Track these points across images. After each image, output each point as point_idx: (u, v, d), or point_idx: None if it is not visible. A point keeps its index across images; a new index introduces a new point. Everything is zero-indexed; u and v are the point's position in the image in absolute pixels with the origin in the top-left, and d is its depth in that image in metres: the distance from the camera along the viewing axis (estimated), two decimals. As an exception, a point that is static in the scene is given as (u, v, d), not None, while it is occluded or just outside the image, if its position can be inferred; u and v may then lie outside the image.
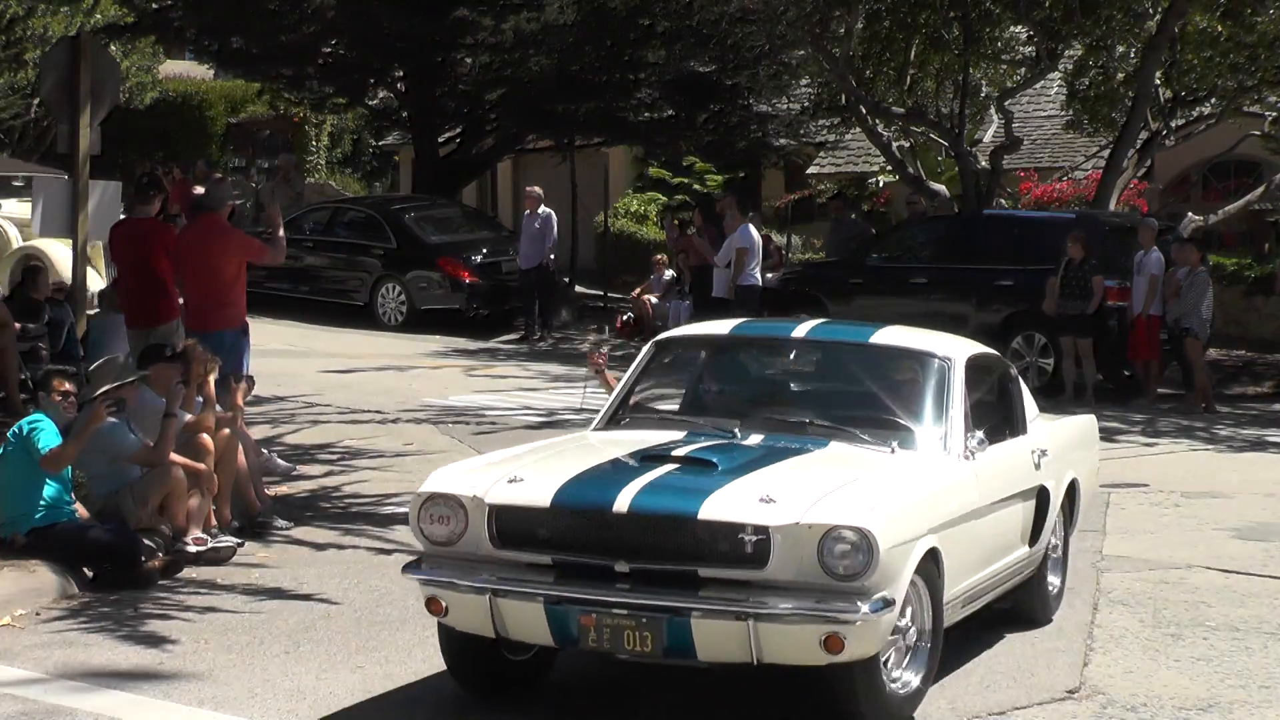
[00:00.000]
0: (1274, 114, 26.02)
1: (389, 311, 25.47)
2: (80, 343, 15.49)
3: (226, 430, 11.62)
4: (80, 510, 10.72)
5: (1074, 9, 23.38)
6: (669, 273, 25.11)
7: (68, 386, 10.78)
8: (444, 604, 7.68)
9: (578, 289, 27.80)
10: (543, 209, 24.55)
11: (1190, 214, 24.41)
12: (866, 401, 9.01)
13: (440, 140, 30.08)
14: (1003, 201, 25.73)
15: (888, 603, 7.31)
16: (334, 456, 14.56)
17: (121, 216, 15.16)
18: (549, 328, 24.80)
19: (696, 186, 31.72)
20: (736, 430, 8.43)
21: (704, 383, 9.54)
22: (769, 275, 22.46)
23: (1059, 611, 10.14)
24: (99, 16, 32.35)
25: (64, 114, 14.65)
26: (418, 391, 18.75)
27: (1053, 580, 10.00)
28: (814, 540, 7.23)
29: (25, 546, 10.35)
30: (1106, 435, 17.23)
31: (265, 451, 13.30)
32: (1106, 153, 25.66)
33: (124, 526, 10.58)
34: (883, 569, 7.26)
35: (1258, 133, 26.18)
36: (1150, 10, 24.21)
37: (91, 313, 15.88)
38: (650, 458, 7.93)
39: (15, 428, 10.74)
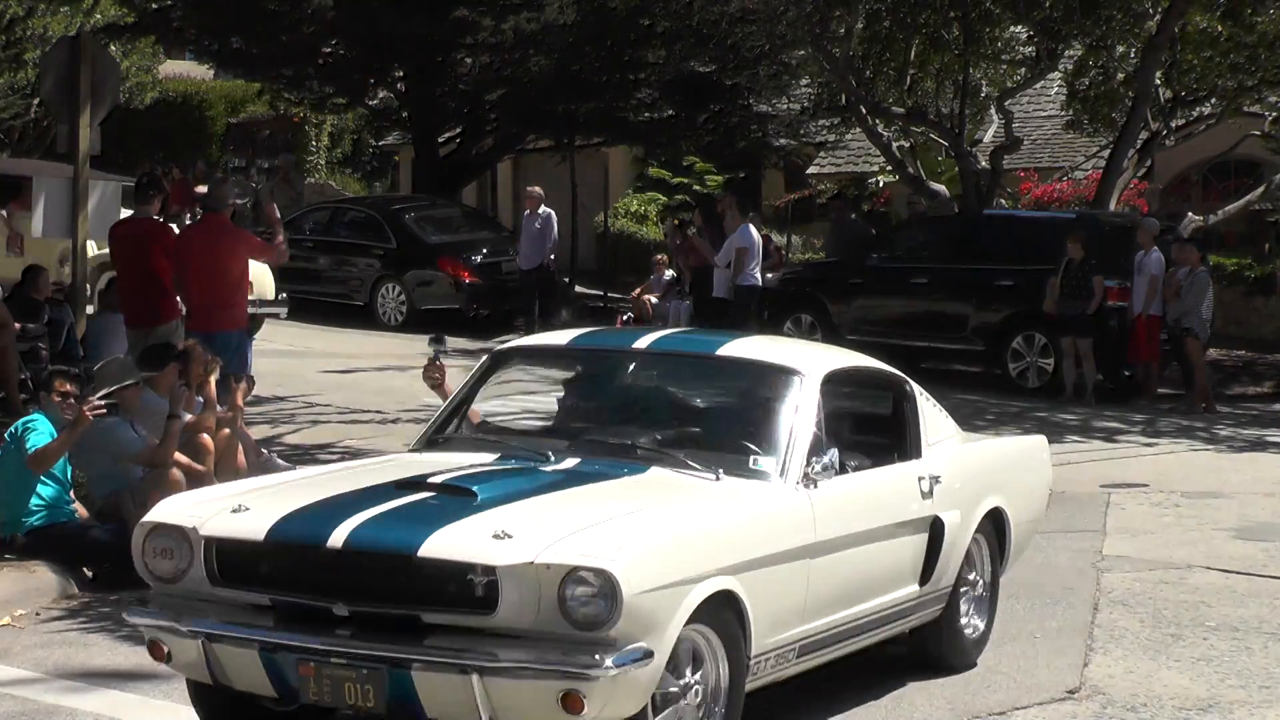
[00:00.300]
0: (1274, 114, 26.03)
1: (389, 311, 25.47)
2: (80, 343, 15.50)
3: (226, 430, 11.62)
4: (80, 510, 10.73)
5: (1074, 9, 23.38)
6: (669, 273, 25.10)
7: (69, 387, 10.78)
8: (166, 649, 6.99)
9: (578, 289, 27.79)
10: (543, 209, 24.55)
11: (1190, 214, 24.41)
12: (705, 420, 8.28)
13: (440, 140, 30.08)
14: (1003, 201, 25.73)
15: (645, 655, 6.43)
16: (334, 457, 14.54)
17: (124, 215, 15.17)
18: (549, 328, 24.79)
19: (696, 186, 31.72)
20: (550, 454, 7.70)
21: (544, 398, 8.90)
22: (769, 275, 22.47)
23: (1059, 611, 10.12)
24: (99, 16, 32.33)
25: (64, 114, 14.66)
26: (418, 392, 18.70)
27: (972, 622, 9.08)
28: (553, 583, 6.37)
29: (25, 546, 10.36)
30: (1106, 435, 17.35)
31: (265, 451, 13.29)
32: (1106, 153, 25.66)
33: (124, 526, 10.57)
34: (634, 617, 6.37)
35: (1258, 133, 26.19)
36: (1150, 10, 24.22)
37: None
38: (407, 485, 7.12)
39: (12, 428, 10.75)
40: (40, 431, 10.49)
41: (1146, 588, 10.78)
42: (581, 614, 6.36)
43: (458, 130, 30.47)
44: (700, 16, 25.70)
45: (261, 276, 21.78)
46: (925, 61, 26.18)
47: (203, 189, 22.82)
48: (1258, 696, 8.54)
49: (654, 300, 24.98)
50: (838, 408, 8.44)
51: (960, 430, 9.44)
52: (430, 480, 7.14)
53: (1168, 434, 17.69)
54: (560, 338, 9.15)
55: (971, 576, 9.04)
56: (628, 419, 8.30)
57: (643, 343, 8.58)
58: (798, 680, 7.89)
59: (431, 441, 8.30)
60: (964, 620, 8.99)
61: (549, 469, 7.54)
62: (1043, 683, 8.71)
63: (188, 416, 11.28)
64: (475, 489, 6.98)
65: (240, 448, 11.75)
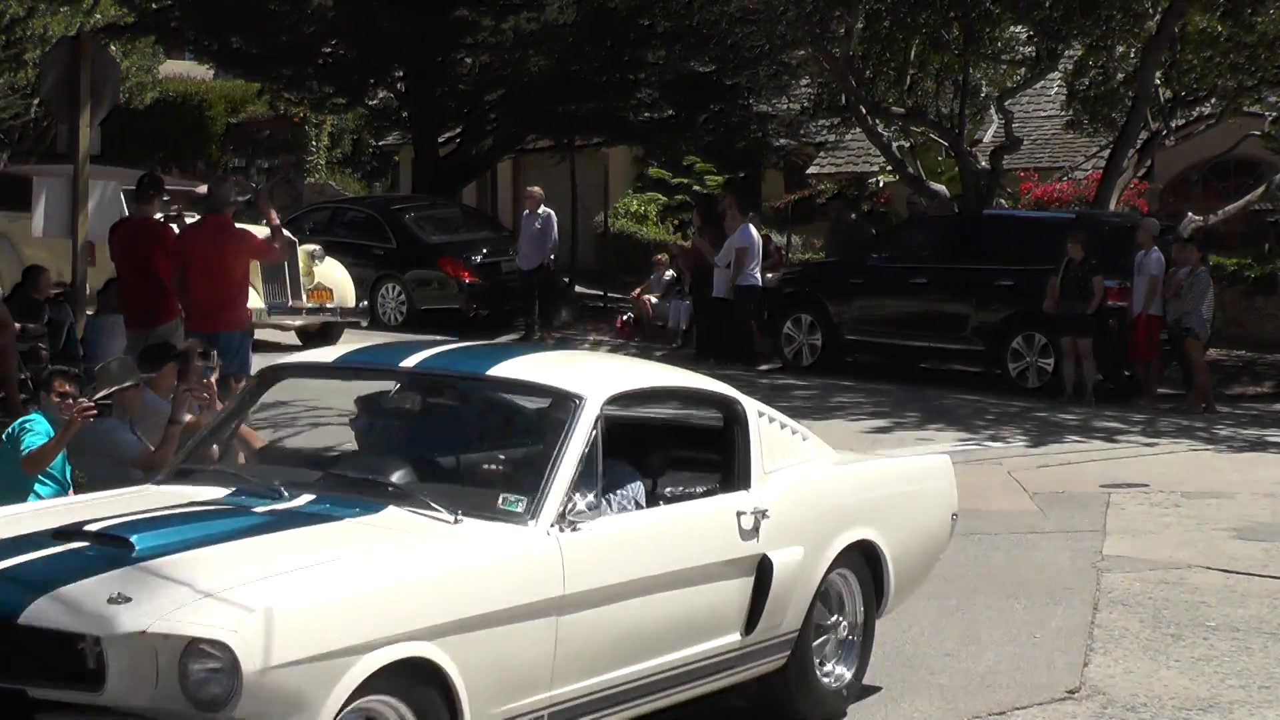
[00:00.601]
0: (1274, 114, 26.02)
1: (389, 311, 25.46)
2: (80, 343, 15.51)
3: (227, 431, 11.61)
4: (80, 510, 10.71)
5: (1074, 9, 23.38)
6: (669, 273, 25.12)
7: (68, 388, 10.76)
8: None
9: (578, 289, 27.81)
10: (543, 209, 24.55)
11: (1190, 214, 24.41)
12: (466, 450, 7.42)
13: (440, 140, 30.11)
14: (1003, 201, 25.73)
15: None
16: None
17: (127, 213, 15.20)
18: (549, 328, 24.82)
19: (696, 187, 31.74)
20: (284, 490, 6.83)
21: (310, 422, 8.18)
22: (769, 275, 22.48)
23: (1059, 611, 10.11)
24: (99, 16, 32.36)
25: (64, 114, 14.69)
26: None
27: (835, 670, 8.09)
28: (173, 656, 5.59)
29: (25, 547, 10.34)
30: (1106, 435, 17.34)
31: (265, 452, 13.30)
32: (1106, 153, 25.67)
33: (124, 527, 10.57)
34: (267, 695, 5.58)
35: (1258, 133, 26.18)
36: (1150, 10, 24.22)
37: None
38: (64, 534, 6.27)
39: (9, 429, 10.74)
40: (36, 432, 10.47)
41: (1146, 588, 10.77)
42: (204, 693, 5.58)
43: (458, 130, 30.50)
44: (700, 16, 25.71)
45: (342, 283, 21.72)
46: (925, 61, 26.18)
47: (203, 189, 22.81)
48: (1258, 696, 8.54)
49: (654, 300, 25.00)
50: (657, 432, 7.90)
51: (832, 451, 8.50)
52: (87, 528, 6.31)
53: (1168, 434, 17.68)
54: (327, 354, 8.23)
55: (831, 620, 8.06)
56: (387, 447, 7.59)
57: (411, 361, 7.54)
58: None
59: (180, 472, 7.48)
60: (822, 669, 8.00)
61: (264, 510, 6.67)
62: (1043, 683, 8.70)
63: (188, 418, 11.27)
64: (134, 539, 6.13)
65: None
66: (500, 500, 6.69)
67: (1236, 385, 21.95)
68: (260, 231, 13.97)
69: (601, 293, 27.99)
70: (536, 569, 6.49)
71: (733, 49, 26.92)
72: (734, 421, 7.73)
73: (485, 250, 25.70)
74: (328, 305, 21.63)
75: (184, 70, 40.34)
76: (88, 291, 16.19)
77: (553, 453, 6.79)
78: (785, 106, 30.17)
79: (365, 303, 22.37)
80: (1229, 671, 8.95)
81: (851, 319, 21.94)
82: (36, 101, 32.65)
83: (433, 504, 6.60)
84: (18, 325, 14.86)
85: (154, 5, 28.61)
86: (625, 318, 25.46)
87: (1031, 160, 29.77)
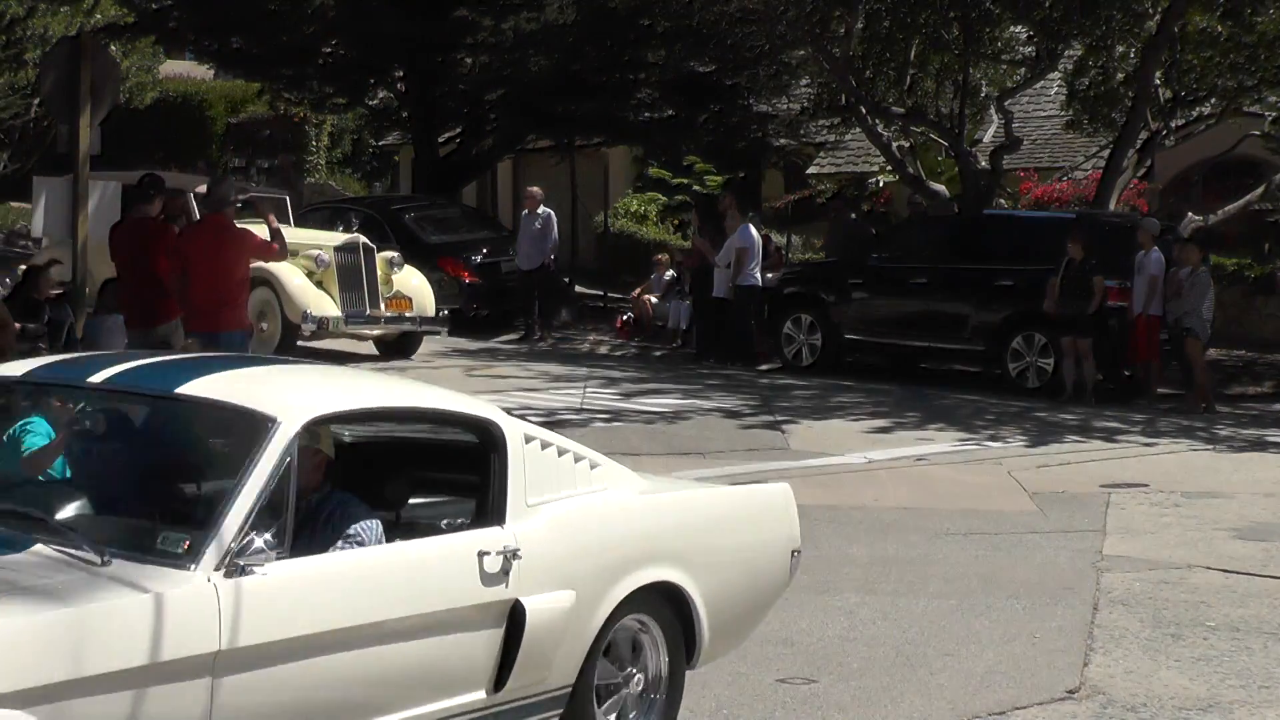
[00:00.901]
0: (1274, 114, 26.04)
1: (389, 312, 25.45)
2: (80, 343, 15.52)
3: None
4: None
5: (1074, 9, 23.41)
6: (669, 273, 25.13)
7: (68, 387, 10.77)
8: None
9: (578, 289, 27.82)
10: (543, 209, 24.56)
11: (1190, 214, 24.43)
12: (143, 479, 6.54)
13: (440, 140, 30.13)
14: (1003, 201, 25.74)
15: None
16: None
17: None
18: (549, 328, 24.81)
19: (696, 187, 31.77)
20: None
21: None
22: (769, 275, 22.49)
23: (1059, 611, 10.10)
24: (99, 16, 32.40)
25: (64, 114, 14.69)
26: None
27: None
28: None
29: (25, 547, 10.34)
30: (1106, 435, 17.34)
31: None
32: (1106, 153, 25.68)
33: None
34: None
35: (1258, 133, 26.19)
36: (1150, 10, 24.24)
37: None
38: None
39: (10, 430, 10.72)
40: (37, 434, 10.45)
41: (1146, 588, 10.77)
42: None
43: (458, 130, 30.52)
44: (700, 16, 25.75)
45: (421, 291, 21.52)
46: (925, 61, 26.20)
47: (202, 188, 22.84)
48: (1258, 696, 8.54)
49: (654, 300, 25.01)
50: (420, 459, 7.09)
51: (639, 481, 7.48)
52: None
53: (1168, 434, 17.68)
54: (17, 368, 7.36)
55: (623, 674, 7.07)
56: (69, 474, 6.82)
57: (98, 377, 6.71)
58: None
59: None
60: None
61: None
62: (1043, 683, 8.69)
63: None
64: None
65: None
66: (160, 539, 5.76)
67: (1236, 385, 21.96)
68: (262, 231, 13.96)
69: (601, 293, 28.00)
70: (187, 620, 5.53)
71: (733, 49, 26.95)
72: (490, 448, 6.70)
73: (485, 250, 25.69)
74: (407, 314, 21.07)
75: (184, 70, 40.37)
76: (87, 291, 16.21)
77: (222, 484, 5.90)
78: (785, 106, 30.19)
79: (445, 311, 21.96)
80: (1229, 671, 8.95)
81: (851, 319, 21.95)
82: (36, 101, 32.68)
83: (83, 543, 5.66)
84: (18, 325, 14.88)
85: (154, 5, 28.64)
86: (625, 318, 25.47)
87: (1031, 160, 29.78)
